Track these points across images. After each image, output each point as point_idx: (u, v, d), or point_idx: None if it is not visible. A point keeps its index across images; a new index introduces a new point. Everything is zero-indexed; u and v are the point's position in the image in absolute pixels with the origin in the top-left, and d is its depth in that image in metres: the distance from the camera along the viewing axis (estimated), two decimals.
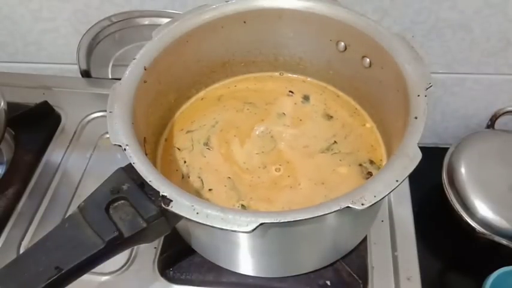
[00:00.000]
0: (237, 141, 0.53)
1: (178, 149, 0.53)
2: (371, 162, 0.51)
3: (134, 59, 0.49)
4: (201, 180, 0.50)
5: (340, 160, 0.51)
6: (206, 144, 0.53)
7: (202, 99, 0.58)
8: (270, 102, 0.57)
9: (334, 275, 0.52)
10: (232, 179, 0.50)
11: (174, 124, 0.56)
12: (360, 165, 0.50)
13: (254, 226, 0.35)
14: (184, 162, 0.52)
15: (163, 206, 0.38)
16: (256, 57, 0.59)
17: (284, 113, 0.56)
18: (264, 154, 0.52)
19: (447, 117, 0.80)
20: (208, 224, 0.36)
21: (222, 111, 0.56)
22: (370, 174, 0.49)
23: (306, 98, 0.57)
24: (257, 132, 0.54)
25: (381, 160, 0.51)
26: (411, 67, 0.45)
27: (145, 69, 0.48)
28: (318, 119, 0.55)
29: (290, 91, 0.58)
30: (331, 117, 0.55)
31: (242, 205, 0.48)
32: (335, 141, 0.53)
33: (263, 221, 0.36)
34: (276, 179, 0.50)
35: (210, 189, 0.49)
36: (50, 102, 0.69)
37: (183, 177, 0.51)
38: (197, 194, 0.49)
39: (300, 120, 0.55)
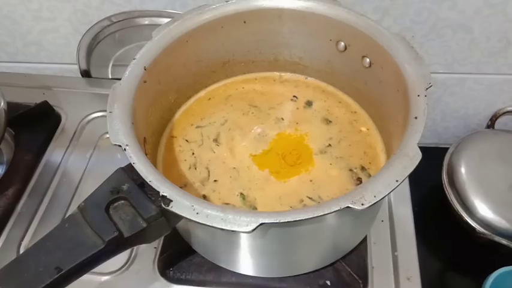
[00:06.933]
0: (239, 140, 0.54)
1: (187, 141, 0.55)
2: (362, 168, 0.51)
3: (134, 59, 0.49)
4: (208, 171, 0.52)
5: (331, 164, 0.52)
6: (216, 140, 0.54)
7: (209, 99, 0.59)
8: (273, 107, 0.58)
9: (334, 275, 0.52)
10: (236, 170, 0.52)
11: (181, 119, 0.57)
12: (351, 170, 0.51)
13: (254, 226, 0.35)
14: (193, 153, 0.54)
15: (163, 206, 0.38)
16: (256, 57, 0.59)
17: (283, 118, 0.56)
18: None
19: (447, 117, 0.80)
20: (208, 224, 0.36)
21: (230, 110, 0.58)
22: (359, 180, 0.50)
23: (309, 103, 0.58)
24: (254, 134, 0.55)
25: (370, 164, 0.52)
26: (411, 67, 0.45)
27: (145, 69, 0.48)
28: (315, 123, 0.56)
29: (294, 96, 0.58)
30: (330, 121, 0.56)
31: (241, 193, 0.49)
32: (329, 145, 0.53)
33: (263, 221, 0.36)
34: (269, 175, 0.51)
35: (215, 180, 0.51)
36: (50, 102, 0.69)
37: (190, 168, 0.52)
38: (202, 183, 0.51)
39: (297, 123, 0.56)
